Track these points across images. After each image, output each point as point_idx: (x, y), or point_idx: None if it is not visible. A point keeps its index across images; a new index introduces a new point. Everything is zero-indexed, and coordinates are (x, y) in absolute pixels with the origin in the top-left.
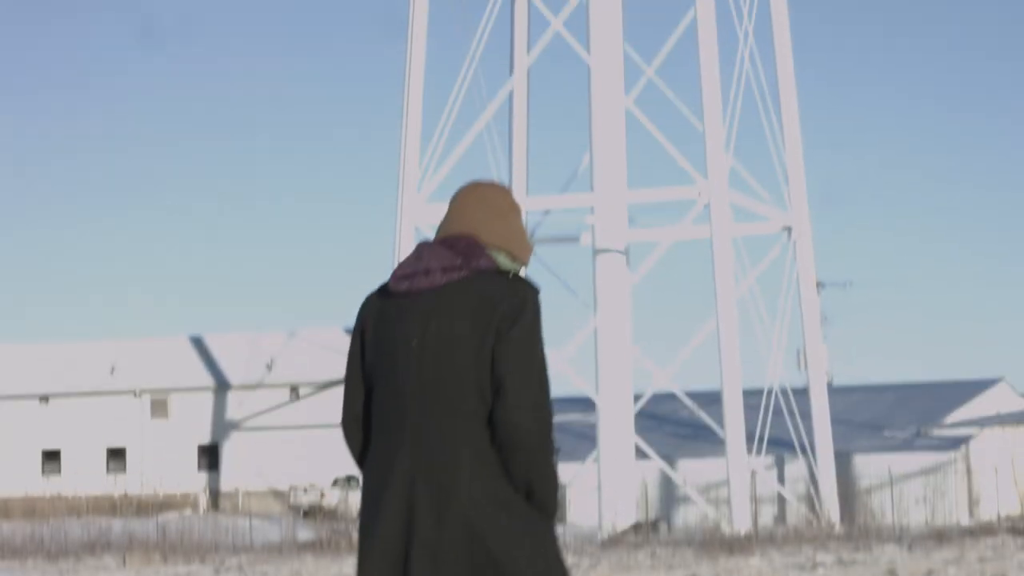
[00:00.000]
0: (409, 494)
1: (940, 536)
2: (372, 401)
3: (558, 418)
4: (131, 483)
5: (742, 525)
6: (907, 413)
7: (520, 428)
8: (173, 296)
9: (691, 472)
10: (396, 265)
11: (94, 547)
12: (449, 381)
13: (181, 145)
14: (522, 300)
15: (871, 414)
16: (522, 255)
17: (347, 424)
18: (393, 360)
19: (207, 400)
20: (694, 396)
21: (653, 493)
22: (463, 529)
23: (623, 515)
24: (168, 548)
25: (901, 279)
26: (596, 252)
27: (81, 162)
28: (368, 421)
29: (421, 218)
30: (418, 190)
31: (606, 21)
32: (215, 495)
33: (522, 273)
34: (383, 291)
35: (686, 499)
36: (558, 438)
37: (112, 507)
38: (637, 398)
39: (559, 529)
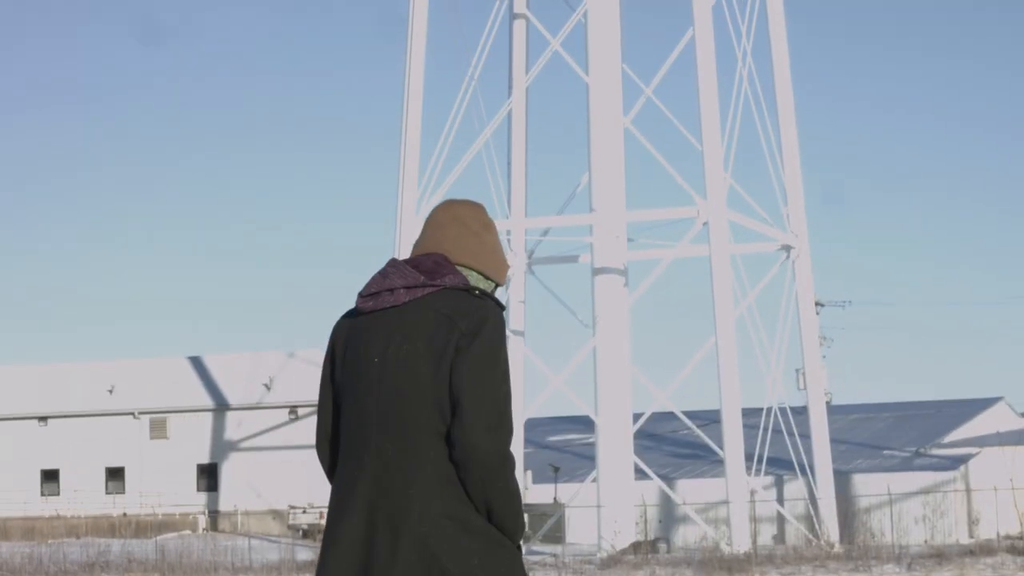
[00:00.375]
0: (369, 515)
1: (940, 556)
2: (340, 421)
3: (557, 438)
4: (130, 503)
5: (741, 545)
6: (906, 432)
7: (477, 448)
8: (172, 317)
9: (690, 492)
10: (364, 285)
11: (93, 567)
12: (410, 399)
13: (180, 165)
14: (482, 317)
15: (870, 433)
16: (496, 274)
17: (319, 444)
18: (358, 379)
19: (206, 420)
20: (693, 416)
21: (652, 513)
22: (420, 551)
23: (622, 535)
24: (167, 568)
25: (900, 298)
26: (595, 271)
27: (80, 181)
28: (337, 441)
29: None
30: (416, 211)
31: (604, 40)
32: (214, 515)
33: (497, 293)
34: (352, 311)
35: (685, 519)
36: (558, 458)
37: (111, 527)
38: (636, 418)
39: (557, 549)
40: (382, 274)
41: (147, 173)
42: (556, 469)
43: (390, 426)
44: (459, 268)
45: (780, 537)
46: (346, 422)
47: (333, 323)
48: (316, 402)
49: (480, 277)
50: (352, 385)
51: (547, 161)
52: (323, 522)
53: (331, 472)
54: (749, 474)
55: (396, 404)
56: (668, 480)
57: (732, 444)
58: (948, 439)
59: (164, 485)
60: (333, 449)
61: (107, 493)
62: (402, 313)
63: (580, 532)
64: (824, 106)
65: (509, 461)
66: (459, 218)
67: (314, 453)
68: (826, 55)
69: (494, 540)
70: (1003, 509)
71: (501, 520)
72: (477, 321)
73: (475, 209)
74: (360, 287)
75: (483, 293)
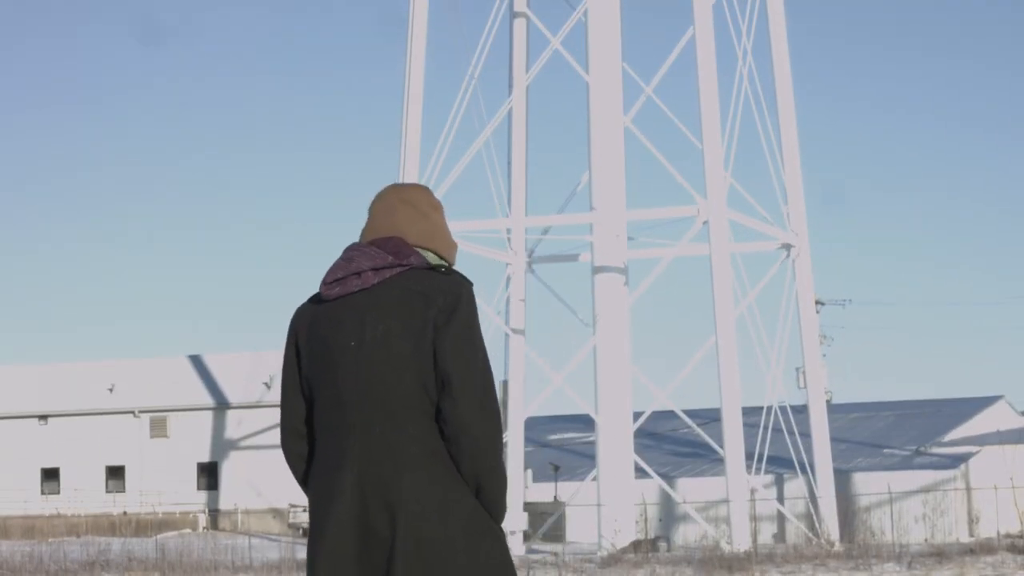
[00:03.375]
0: (361, 496)
1: (940, 554)
2: (313, 412)
3: (557, 436)
4: (130, 502)
5: (741, 543)
6: (907, 431)
7: (470, 423)
8: (172, 316)
9: (690, 490)
10: (326, 271)
11: (93, 566)
12: (391, 381)
13: (180, 165)
14: (457, 294)
15: (870, 432)
16: (448, 254)
17: (288, 440)
18: (332, 366)
19: (206, 419)
20: (693, 414)
21: (652, 511)
22: (416, 531)
23: (622, 533)
24: (167, 567)
25: (900, 298)
26: (595, 270)
27: (80, 181)
28: (311, 435)
29: None
30: None
31: (605, 39)
32: (214, 514)
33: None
34: (315, 299)
35: (685, 517)
36: (558, 457)
37: (111, 526)
38: (636, 416)
39: (557, 548)
40: (345, 259)
41: (147, 173)
42: (556, 468)
43: (374, 407)
44: (416, 249)
45: (780, 536)
46: (320, 412)
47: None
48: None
49: (435, 257)
50: (325, 372)
51: (547, 160)
52: None
53: (303, 469)
54: (749, 473)
55: (379, 385)
56: (668, 479)
57: (732, 443)
58: (948, 438)
59: (164, 484)
60: (309, 443)
61: (107, 492)
62: (371, 295)
63: (580, 531)
64: (824, 106)
65: (500, 437)
66: (408, 200)
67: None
68: (826, 55)
69: (484, 522)
70: (1003, 508)
71: (489, 498)
72: (453, 298)
73: (423, 191)
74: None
75: (449, 270)
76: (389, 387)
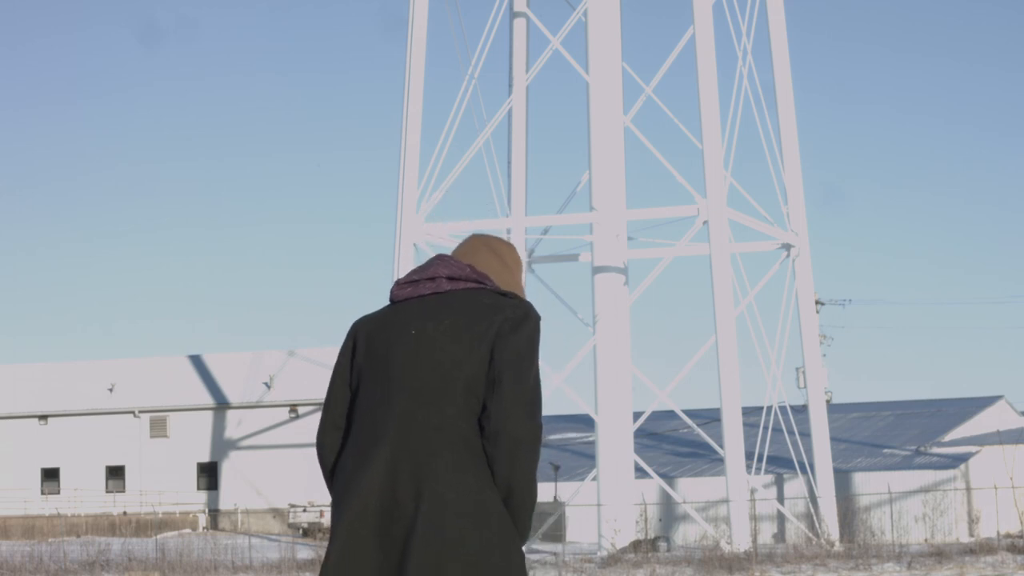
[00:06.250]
0: (391, 468)
1: (940, 554)
2: (356, 401)
3: (557, 436)
4: (130, 502)
5: (741, 543)
6: (907, 431)
7: (512, 424)
8: (172, 315)
9: (690, 490)
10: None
11: (93, 566)
12: (446, 371)
13: (180, 165)
14: (526, 312)
15: (870, 432)
16: None
17: (326, 432)
18: (390, 351)
19: (206, 419)
20: (693, 414)
21: (652, 511)
22: (439, 518)
23: (623, 533)
24: (167, 567)
25: (900, 297)
26: (595, 270)
27: (80, 181)
28: (347, 431)
29: (420, 237)
30: (417, 210)
31: (605, 39)
32: (214, 514)
33: None
34: (375, 312)
35: (685, 517)
36: (558, 456)
37: (111, 526)
38: (636, 416)
39: (558, 547)
40: (426, 264)
41: (147, 173)
42: (556, 468)
43: (423, 392)
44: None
45: (780, 536)
46: (367, 392)
47: (334, 321)
48: (317, 400)
49: None
50: (381, 359)
51: (547, 160)
52: (323, 520)
53: (332, 461)
54: (749, 473)
55: (433, 371)
56: (668, 479)
57: (732, 443)
58: (948, 438)
59: (164, 483)
60: (342, 440)
61: (107, 492)
62: (442, 299)
63: (580, 531)
64: (824, 106)
65: (538, 448)
66: (493, 248)
67: (314, 451)
68: (826, 55)
69: (512, 528)
70: (1003, 507)
71: (517, 504)
72: (520, 313)
73: (509, 246)
74: (360, 286)
75: (519, 298)
76: (443, 376)
